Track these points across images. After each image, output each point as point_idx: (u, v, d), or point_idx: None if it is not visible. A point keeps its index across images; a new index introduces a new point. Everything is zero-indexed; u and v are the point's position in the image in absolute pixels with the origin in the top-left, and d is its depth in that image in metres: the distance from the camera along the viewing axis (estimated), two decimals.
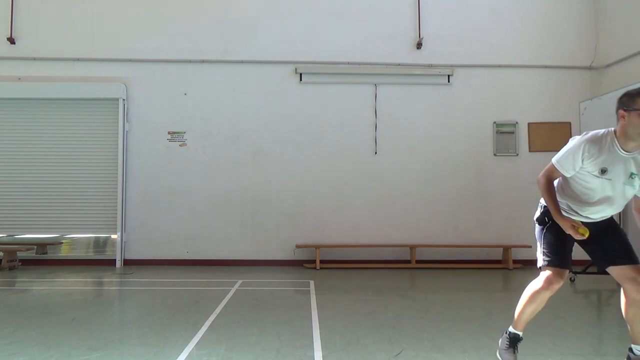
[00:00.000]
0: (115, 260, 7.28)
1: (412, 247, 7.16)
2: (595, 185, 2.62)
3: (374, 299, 4.97)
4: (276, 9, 7.64)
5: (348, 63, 7.56)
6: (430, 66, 7.61)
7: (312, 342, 3.33)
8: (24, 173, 7.38)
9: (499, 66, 7.65)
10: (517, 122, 7.59)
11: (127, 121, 7.43)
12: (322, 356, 3.04)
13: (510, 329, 2.96)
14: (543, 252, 2.83)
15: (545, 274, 2.81)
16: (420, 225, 7.46)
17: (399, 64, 7.61)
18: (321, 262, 6.99)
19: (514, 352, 2.91)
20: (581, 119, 6.31)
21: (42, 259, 7.40)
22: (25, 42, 7.50)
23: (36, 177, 7.37)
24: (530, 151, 7.56)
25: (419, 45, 7.60)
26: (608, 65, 7.43)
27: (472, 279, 6.26)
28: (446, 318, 4.09)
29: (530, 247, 7.23)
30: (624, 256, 2.65)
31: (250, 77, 7.55)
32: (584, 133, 2.67)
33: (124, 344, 3.31)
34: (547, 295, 2.84)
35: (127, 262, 7.31)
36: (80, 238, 8.11)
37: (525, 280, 6.18)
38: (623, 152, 2.54)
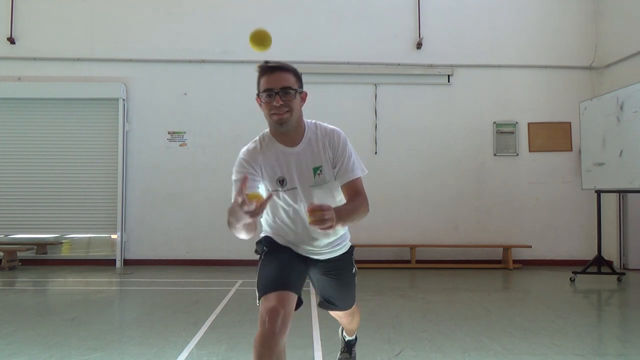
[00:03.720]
0: (115, 260, 7.28)
1: (412, 247, 7.16)
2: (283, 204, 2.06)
3: (374, 299, 4.97)
4: (276, 9, 7.64)
5: (348, 63, 7.56)
6: (430, 66, 7.61)
7: (312, 342, 3.33)
8: (24, 173, 7.38)
9: (499, 66, 7.65)
10: (517, 122, 7.59)
11: (127, 121, 7.43)
12: (322, 356, 3.04)
13: None
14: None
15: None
16: (420, 225, 7.46)
17: (399, 64, 7.60)
18: None
19: None
20: (581, 119, 6.31)
21: (42, 259, 7.40)
22: (25, 42, 7.50)
23: (36, 177, 7.37)
24: (530, 151, 7.55)
25: (419, 45, 7.60)
26: (608, 65, 7.43)
27: (472, 279, 6.26)
28: (446, 318, 4.09)
29: (530, 247, 7.24)
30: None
31: (250, 77, 7.49)
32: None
33: (124, 344, 3.31)
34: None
35: (127, 262, 7.31)
36: (80, 238, 8.10)
37: (525, 280, 6.23)
38: (288, 148, 2.05)
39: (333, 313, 2.48)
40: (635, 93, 5.37)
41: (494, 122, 7.59)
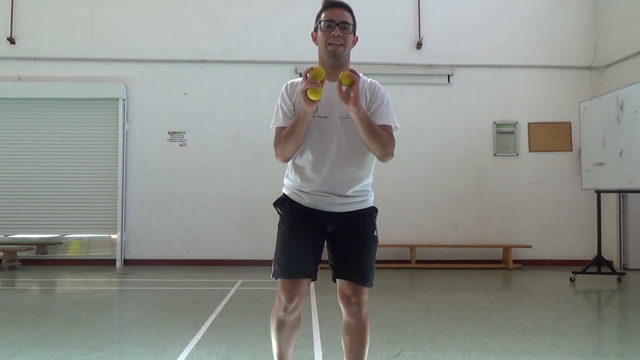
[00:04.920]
0: (115, 260, 7.28)
1: (412, 247, 7.16)
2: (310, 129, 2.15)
3: (374, 299, 4.97)
4: (276, 9, 7.64)
5: None
6: (430, 66, 7.61)
7: (312, 342, 3.33)
8: (24, 173, 7.38)
9: (499, 66, 7.65)
10: (517, 122, 7.59)
11: (127, 121, 7.42)
12: (322, 356, 3.04)
13: None
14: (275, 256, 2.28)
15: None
16: (420, 225, 7.45)
17: (399, 64, 7.60)
18: (321, 262, 6.97)
19: None
20: (581, 119, 6.31)
21: (42, 259, 7.40)
22: (25, 42, 7.50)
23: (36, 176, 7.36)
24: (530, 151, 7.55)
25: (419, 45, 7.60)
26: (608, 65, 7.43)
27: (472, 279, 6.26)
28: (446, 318, 4.09)
29: (530, 247, 7.24)
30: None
31: (250, 77, 7.54)
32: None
33: (124, 344, 3.31)
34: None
35: (127, 262, 7.31)
36: (80, 238, 8.10)
37: (525, 280, 6.24)
38: (330, 82, 2.06)
39: (346, 317, 2.23)
40: (635, 93, 5.37)
41: (494, 122, 7.59)
